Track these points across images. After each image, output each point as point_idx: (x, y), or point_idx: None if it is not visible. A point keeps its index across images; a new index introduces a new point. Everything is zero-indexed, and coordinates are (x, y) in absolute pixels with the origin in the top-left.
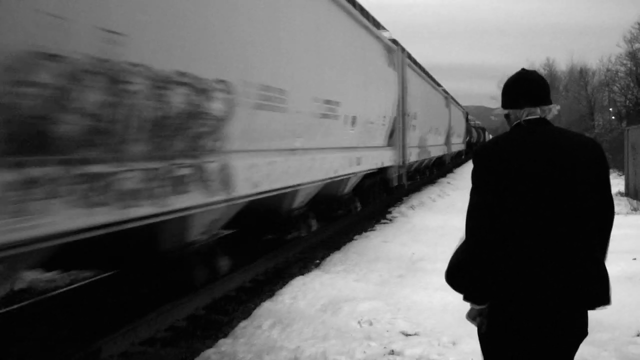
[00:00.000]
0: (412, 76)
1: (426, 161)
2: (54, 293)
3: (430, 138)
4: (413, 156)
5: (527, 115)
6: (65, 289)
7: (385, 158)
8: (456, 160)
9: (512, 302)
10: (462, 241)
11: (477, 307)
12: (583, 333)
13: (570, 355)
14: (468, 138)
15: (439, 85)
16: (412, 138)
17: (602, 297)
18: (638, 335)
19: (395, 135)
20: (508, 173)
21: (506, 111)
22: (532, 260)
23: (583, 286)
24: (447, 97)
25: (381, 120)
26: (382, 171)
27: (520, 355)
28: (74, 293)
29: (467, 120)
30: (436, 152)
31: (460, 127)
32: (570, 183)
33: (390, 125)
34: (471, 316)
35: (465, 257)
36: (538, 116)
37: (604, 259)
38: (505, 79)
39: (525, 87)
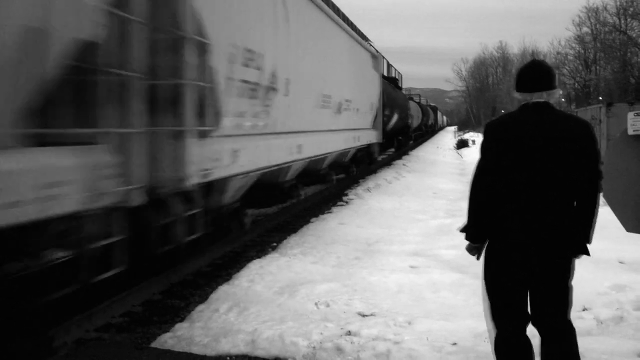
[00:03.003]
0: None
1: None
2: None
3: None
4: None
5: (534, 98)
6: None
7: (372, 137)
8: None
9: (501, 242)
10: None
11: (474, 245)
12: (560, 274)
13: (554, 288)
14: (397, 117)
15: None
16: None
17: (575, 248)
18: (584, 310)
19: (377, 119)
20: (508, 141)
21: (518, 95)
22: (519, 212)
23: (556, 237)
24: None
25: (369, 108)
26: (369, 146)
27: (505, 281)
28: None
29: (384, 78)
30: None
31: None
32: (557, 154)
33: (374, 112)
34: (468, 250)
35: (468, 206)
36: (544, 100)
37: (594, 218)
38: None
39: (532, 75)
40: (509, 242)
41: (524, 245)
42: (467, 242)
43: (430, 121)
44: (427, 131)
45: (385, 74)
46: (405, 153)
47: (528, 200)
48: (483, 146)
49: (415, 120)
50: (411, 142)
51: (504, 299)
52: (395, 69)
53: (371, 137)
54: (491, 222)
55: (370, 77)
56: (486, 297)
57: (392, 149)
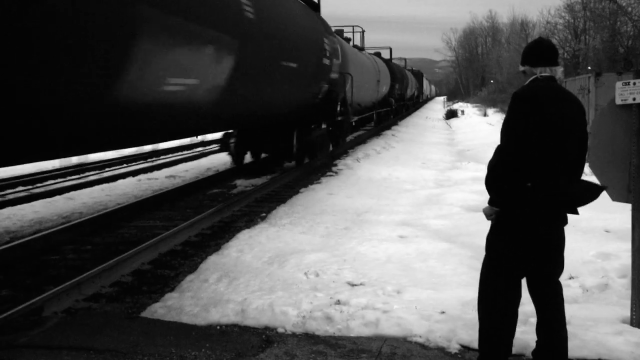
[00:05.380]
0: None
1: None
2: None
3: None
4: None
5: (540, 73)
6: (3, 246)
7: None
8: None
9: (527, 209)
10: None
11: (495, 209)
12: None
13: (559, 253)
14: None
15: None
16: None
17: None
18: (570, 278)
19: None
20: (544, 114)
21: (523, 67)
22: (548, 180)
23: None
24: None
25: None
26: None
27: (520, 248)
28: (12, 251)
29: None
30: None
31: None
32: (579, 126)
33: None
34: (487, 212)
35: (498, 172)
36: (549, 74)
37: None
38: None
39: (541, 51)
40: (545, 208)
41: (555, 212)
42: (487, 207)
43: (412, 90)
44: (406, 105)
45: None
46: (395, 123)
47: (563, 169)
48: (518, 118)
49: (366, 89)
50: (349, 138)
51: (523, 265)
52: None
53: None
54: (522, 190)
55: None
56: (500, 264)
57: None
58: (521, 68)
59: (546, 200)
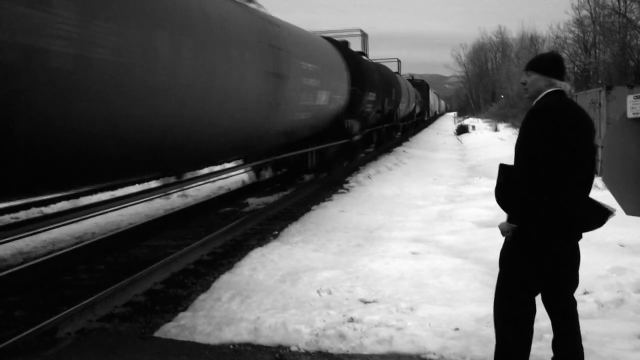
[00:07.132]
0: None
1: None
2: (4, 273)
3: None
4: None
5: (551, 86)
6: (17, 267)
7: None
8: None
9: (546, 226)
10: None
11: (512, 225)
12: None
13: (574, 268)
14: None
15: None
16: None
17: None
18: (585, 294)
19: None
20: (558, 128)
21: (535, 74)
22: (570, 198)
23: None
24: None
25: None
26: None
27: (538, 266)
28: (28, 271)
29: None
30: None
31: None
32: (589, 138)
33: None
34: (503, 229)
35: (515, 188)
36: (558, 88)
37: None
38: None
39: (554, 63)
40: (559, 224)
41: (575, 228)
42: (504, 224)
43: (410, 106)
44: (397, 127)
45: None
46: (406, 139)
47: (576, 181)
48: (533, 133)
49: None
50: None
51: (538, 281)
52: None
53: None
54: (537, 205)
55: None
56: (515, 280)
57: None
58: (541, 81)
59: (560, 215)
